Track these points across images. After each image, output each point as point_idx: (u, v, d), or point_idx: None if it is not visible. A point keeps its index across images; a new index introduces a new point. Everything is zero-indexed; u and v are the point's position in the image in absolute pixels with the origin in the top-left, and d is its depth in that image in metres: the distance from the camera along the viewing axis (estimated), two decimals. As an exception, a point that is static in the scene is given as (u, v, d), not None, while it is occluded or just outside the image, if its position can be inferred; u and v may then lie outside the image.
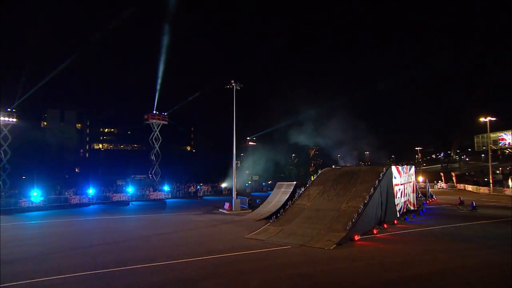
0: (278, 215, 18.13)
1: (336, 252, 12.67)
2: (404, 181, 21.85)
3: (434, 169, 74.45)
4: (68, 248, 13.80)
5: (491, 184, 42.55)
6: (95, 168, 58.42)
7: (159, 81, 41.12)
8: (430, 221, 19.95)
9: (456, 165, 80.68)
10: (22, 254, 12.83)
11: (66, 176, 53.23)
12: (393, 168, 20.33)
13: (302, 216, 16.97)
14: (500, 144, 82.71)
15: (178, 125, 53.83)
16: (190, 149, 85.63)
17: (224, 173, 45.68)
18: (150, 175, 43.90)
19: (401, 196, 20.98)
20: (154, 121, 43.05)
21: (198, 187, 42.38)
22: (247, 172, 54.50)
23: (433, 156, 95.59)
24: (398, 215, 19.78)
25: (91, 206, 30.28)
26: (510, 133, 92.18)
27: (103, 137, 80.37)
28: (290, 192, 22.42)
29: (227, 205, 25.82)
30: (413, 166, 26.57)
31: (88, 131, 76.60)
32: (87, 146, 76.68)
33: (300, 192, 20.37)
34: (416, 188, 25.66)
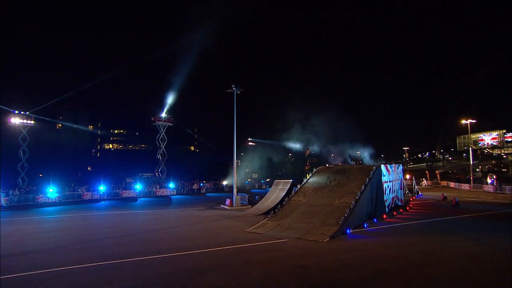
0: (276, 210, 18.10)
1: (330, 244, 12.67)
2: (392, 178, 21.86)
3: (420, 168, 74.65)
4: (81, 240, 13.77)
5: (471, 181, 42.65)
6: (105, 167, 58.21)
7: (165, 86, 41.15)
8: (416, 215, 19.98)
9: (440, 163, 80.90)
10: (40, 246, 12.87)
11: (79, 174, 53.05)
12: (383, 166, 20.35)
13: (298, 211, 16.95)
14: (479, 145, 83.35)
15: (182, 127, 53.66)
16: (194, 149, 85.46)
17: (225, 172, 45.61)
18: (156, 173, 43.80)
19: (389, 193, 20.98)
20: (160, 123, 43.05)
21: (201, 184, 42.30)
22: (246, 170, 54.40)
23: (419, 155, 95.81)
24: (387, 210, 19.78)
25: (102, 202, 30.19)
26: (488, 134, 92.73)
27: (113, 138, 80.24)
28: (287, 189, 22.35)
29: (228, 201, 25.79)
30: (401, 165, 26.59)
31: (99, 132, 76.53)
32: (99, 146, 76.58)
33: (297, 189, 20.33)
34: (403, 185, 25.67)
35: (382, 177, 19.77)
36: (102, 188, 33.04)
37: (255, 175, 53.39)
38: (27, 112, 35.22)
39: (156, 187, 37.82)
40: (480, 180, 46.16)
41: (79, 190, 32.89)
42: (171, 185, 39.14)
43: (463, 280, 8.80)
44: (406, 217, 19.28)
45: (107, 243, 13.17)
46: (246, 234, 14.77)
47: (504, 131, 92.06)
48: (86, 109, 71.12)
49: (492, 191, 36.81)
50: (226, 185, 43.52)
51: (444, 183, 49.30)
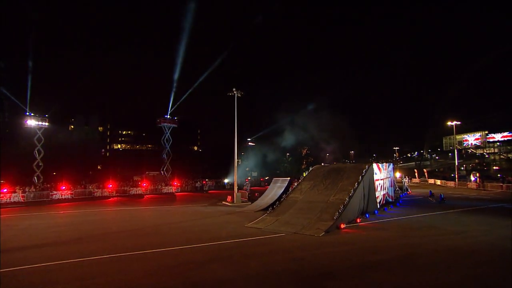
0: (274, 206, 18.02)
1: (325, 238, 12.62)
2: (383, 176, 21.83)
3: (409, 166, 74.88)
4: (93, 234, 13.70)
5: (456, 179, 42.70)
6: (114, 166, 58.16)
7: (170, 89, 41.16)
8: (405, 211, 19.94)
9: (428, 162, 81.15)
10: (55, 239, 12.84)
11: (90, 173, 52.95)
12: (374, 165, 20.30)
13: (295, 207, 16.89)
14: (464, 145, 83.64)
15: (186, 128, 53.53)
16: (197, 149, 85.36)
17: (227, 170, 45.56)
18: (162, 172, 43.75)
19: (381, 190, 20.95)
20: (165, 124, 43.01)
21: (204, 182, 42.26)
22: (247, 169, 54.34)
23: (408, 155, 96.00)
24: (379, 206, 19.73)
25: (111, 199, 30.14)
26: (472, 135, 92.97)
27: (121, 139, 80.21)
28: (284, 187, 22.33)
29: (229, 198, 25.75)
30: (392, 164, 26.56)
31: (108, 133, 76.53)
32: (108, 147, 76.48)
33: (294, 186, 20.29)
34: (393, 182, 25.65)
35: (374, 175, 19.72)
36: (111, 185, 32.97)
37: (254, 173, 53.33)
38: (42, 115, 35.22)
39: (161, 185, 37.77)
40: (464, 178, 46.31)
41: (90, 187, 32.84)
42: (176, 182, 39.10)
43: (449, 270, 8.79)
44: (396, 212, 19.24)
45: (116, 237, 13.12)
46: (246, 229, 14.70)
47: (486, 132, 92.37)
48: (97, 111, 71.12)
49: (475, 188, 36.89)
50: (227, 183, 43.46)
51: (431, 180, 49.36)
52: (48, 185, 33.13)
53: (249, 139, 53.46)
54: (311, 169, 22.51)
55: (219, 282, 7.91)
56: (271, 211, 17.34)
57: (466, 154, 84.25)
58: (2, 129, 60.55)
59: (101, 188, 32.64)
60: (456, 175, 43.72)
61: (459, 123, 47.80)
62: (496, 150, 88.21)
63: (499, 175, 47.95)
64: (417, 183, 48.04)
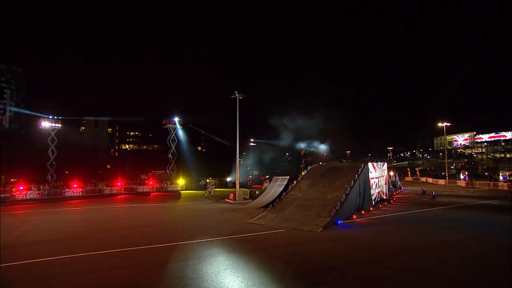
0: (274, 204, 17.93)
1: (323, 234, 12.55)
2: (378, 175, 21.75)
3: (402, 165, 74.74)
4: (102, 230, 13.69)
5: (447, 177, 42.59)
6: (123, 165, 58.09)
7: (175, 92, 41.18)
8: (399, 207, 19.88)
9: (420, 162, 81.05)
10: (67, 234, 12.83)
11: (100, 171, 52.84)
12: (369, 164, 20.23)
13: (294, 204, 16.81)
14: (454, 145, 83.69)
15: (191, 129, 53.43)
16: (201, 149, 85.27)
17: (229, 169, 45.52)
18: (167, 171, 43.74)
19: (375, 188, 20.87)
20: (170, 125, 43.03)
21: (208, 180, 42.19)
22: (248, 168, 54.30)
23: (401, 154, 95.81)
24: (374, 203, 19.63)
25: (120, 196, 30.13)
26: (461, 136, 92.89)
27: (129, 139, 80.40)
28: (284, 185, 22.25)
29: (231, 195, 25.69)
30: (386, 163, 26.46)
31: (117, 134, 76.67)
32: (116, 147, 76.57)
33: (293, 184, 20.22)
34: (388, 180, 25.56)
35: (369, 173, 19.65)
36: (120, 183, 32.97)
37: (255, 172, 53.30)
38: (55, 117, 35.35)
39: (167, 183, 37.74)
40: (454, 176, 46.21)
41: (100, 185, 32.83)
42: (181, 181, 39.05)
43: (442, 263, 8.73)
44: (390, 209, 19.17)
45: (125, 233, 13.08)
46: (248, 225, 14.65)
47: (474, 133, 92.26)
48: (106, 113, 71.23)
49: (465, 186, 36.80)
50: (230, 181, 43.41)
51: (423, 179, 49.27)
52: (61, 183, 33.15)
53: (251, 140, 53.40)
54: (309, 168, 22.44)
55: (221, 275, 7.85)
56: (272, 208, 17.25)
57: (455, 154, 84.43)
58: (18, 131, 60.65)
59: (110, 186, 32.64)
60: (447, 174, 43.61)
61: (449, 124, 47.74)
62: (483, 150, 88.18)
63: (486, 173, 47.81)
64: (409, 181, 47.91)
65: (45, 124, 34.85)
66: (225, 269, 8.32)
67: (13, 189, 27.47)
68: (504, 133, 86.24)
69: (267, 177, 48.10)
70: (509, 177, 37.14)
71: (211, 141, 73.55)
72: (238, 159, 26.01)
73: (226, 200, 25.35)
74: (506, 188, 31.41)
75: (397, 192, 29.26)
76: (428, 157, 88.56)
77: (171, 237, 11.99)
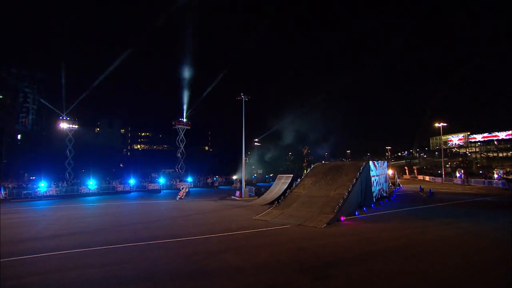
0: (279, 201, 17.68)
1: (327, 230, 12.32)
2: (379, 173, 21.37)
3: (400, 164, 73.84)
4: (115, 225, 13.63)
5: (443, 175, 41.91)
6: (134, 164, 58.38)
7: (184, 94, 41.32)
8: (398, 204, 19.51)
9: (416, 160, 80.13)
10: (83, 228, 12.83)
11: (113, 170, 53.21)
12: (371, 162, 19.87)
13: (298, 201, 16.58)
14: (449, 144, 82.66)
15: (198, 130, 53.45)
16: (208, 148, 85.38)
17: (235, 168, 45.36)
18: (176, 169, 43.77)
19: (376, 185, 20.50)
20: (179, 126, 43.05)
21: (215, 178, 42.09)
22: (253, 167, 54.07)
23: (399, 153, 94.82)
24: (374, 200, 19.28)
25: (132, 193, 30.17)
26: (456, 136, 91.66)
27: (140, 140, 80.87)
28: (288, 183, 21.94)
29: (237, 193, 25.49)
30: (386, 161, 26.04)
31: (129, 135, 77.16)
32: (129, 147, 77.05)
33: (297, 182, 19.95)
34: (387, 178, 25.13)
35: (370, 171, 19.31)
36: (132, 181, 33.03)
37: (260, 171, 53.07)
38: (72, 118, 35.66)
39: (176, 181, 37.72)
40: (450, 174, 45.44)
41: (113, 183, 32.94)
42: (189, 179, 39.01)
43: (443, 258, 8.47)
44: (391, 206, 18.82)
45: (137, 228, 12.98)
46: (254, 221, 14.46)
47: (469, 133, 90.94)
48: (119, 115, 71.78)
49: (460, 183, 36.14)
50: (236, 179, 43.24)
51: (420, 177, 48.56)
52: (78, 181, 33.37)
53: (256, 140, 53.21)
54: (313, 166, 22.11)
55: (231, 270, 7.70)
56: (277, 205, 17.03)
57: (450, 153, 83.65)
58: (39, 132, 61.36)
59: (123, 184, 32.73)
60: (443, 172, 42.93)
61: (446, 124, 46.96)
62: (477, 149, 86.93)
63: (480, 171, 46.94)
64: (407, 179, 47.24)
65: (63, 125, 35.11)
66: (233, 264, 8.15)
67: (35, 186, 27.74)
68: (496, 133, 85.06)
69: (271, 175, 47.99)
70: (504, 175, 36.40)
71: (218, 140, 73.62)
72: (244, 158, 25.80)
73: (232, 197, 25.17)
74: (500, 186, 30.75)
75: (396, 189, 28.78)
76: (425, 156, 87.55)
77: (181, 233, 11.86)
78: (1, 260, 8.29)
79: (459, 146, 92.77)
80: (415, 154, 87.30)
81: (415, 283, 6.78)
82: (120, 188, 31.66)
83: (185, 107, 42.59)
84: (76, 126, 35.97)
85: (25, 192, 26.31)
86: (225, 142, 63.36)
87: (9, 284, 6.77)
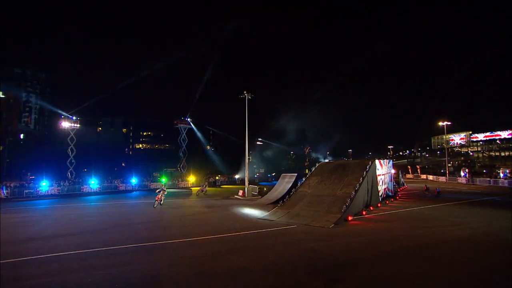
0: (284, 200, 17.23)
1: (334, 230, 11.92)
2: (384, 172, 20.93)
3: (401, 163, 73.45)
4: (117, 225, 13.24)
5: (447, 174, 41.40)
6: (136, 163, 58.11)
7: (186, 93, 40.99)
8: (405, 204, 19.08)
9: (418, 160, 79.57)
10: (84, 228, 12.43)
11: (115, 169, 52.93)
12: (377, 161, 19.45)
13: (304, 201, 16.16)
14: (450, 144, 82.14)
15: (200, 128, 53.03)
16: (209, 148, 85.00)
17: (237, 167, 45.07)
18: (178, 168, 43.48)
19: (382, 184, 20.06)
20: (182, 125, 42.75)
21: (217, 177, 41.76)
22: (254, 166, 53.70)
23: (400, 153, 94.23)
24: (380, 200, 18.89)
25: (134, 192, 29.84)
26: (457, 135, 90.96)
27: (142, 139, 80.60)
28: (292, 182, 21.52)
29: (241, 192, 25.13)
30: (391, 160, 25.58)
31: (131, 134, 76.92)
32: (131, 146, 76.81)
33: (302, 181, 19.53)
34: (393, 177, 24.67)
35: (376, 170, 18.89)
36: (134, 180, 32.73)
37: (262, 170, 52.70)
38: (74, 117, 35.37)
39: (178, 180, 37.41)
40: (453, 173, 44.97)
41: (115, 182, 32.66)
42: (191, 178, 38.71)
43: (458, 260, 8.04)
44: (397, 205, 18.39)
45: (139, 228, 12.59)
46: (259, 221, 14.04)
47: (470, 132, 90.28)
48: (121, 115, 71.61)
49: (465, 183, 35.64)
50: (238, 178, 42.92)
51: (423, 176, 48.09)
52: (80, 180, 33.09)
53: (259, 139, 52.82)
54: (317, 165, 21.67)
55: (238, 272, 7.30)
56: (282, 204, 16.59)
57: (452, 152, 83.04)
58: (42, 132, 61.20)
59: (125, 183, 32.42)
60: (447, 171, 42.43)
61: (450, 123, 46.38)
62: (479, 149, 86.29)
63: (484, 171, 46.38)
64: (410, 178, 46.71)
65: (65, 124, 34.86)
66: (240, 266, 7.76)
67: (36, 185, 27.47)
68: (499, 132, 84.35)
69: (273, 174, 47.61)
70: (510, 174, 35.85)
71: (220, 139, 73.27)
72: (247, 157, 25.40)
73: (236, 196, 24.79)
74: (507, 185, 30.24)
75: (400, 189, 28.36)
76: (427, 155, 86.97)
77: (184, 233, 11.48)
78: (1, 261, 7.93)
79: (461, 146, 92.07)
80: (416, 154, 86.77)
81: (437, 288, 6.37)
82: (122, 187, 31.38)
83: (187, 106, 42.37)
84: (78, 125, 35.72)
85: (26, 191, 26.04)
86: (226, 141, 62.95)
87: (7, 288, 6.42)
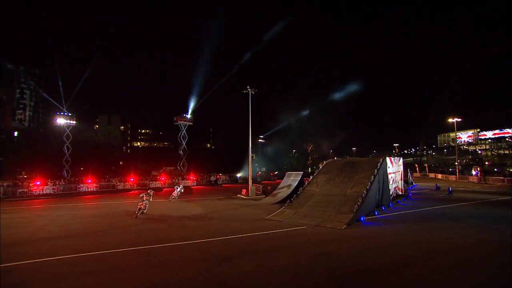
0: (292, 199, 16.68)
1: (348, 231, 11.39)
2: (395, 170, 20.40)
3: (407, 161, 72.91)
4: (117, 226, 12.68)
5: (457, 173, 40.83)
6: (135, 161, 57.62)
7: (186, 89, 40.48)
8: (417, 203, 18.56)
9: (425, 158, 79.05)
10: (82, 230, 11.91)
11: (113, 168, 52.46)
12: (387, 159, 18.89)
13: (312, 200, 15.64)
14: (457, 142, 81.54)
15: (201, 125, 52.49)
16: (210, 145, 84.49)
17: (239, 165, 44.55)
18: (178, 167, 42.96)
19: (392, 183, 19.52)
20: (181, 122, 42.19)
21: (218, 176, 41.21)
22: (256, 165, 53.16)
23: (405, 151, 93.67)
24: (391, 199, 18.35)
25: (133, 191, 29.33)
26: (465, 133, 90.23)
27: (140, 137, 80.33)
28: (298, 180, 21.02)
29: (244, 191, 24.60)
30: (401, 158, 25.00)
31: (129, 132, 76.56)
32: (128, 144, 76.42)
33: (309, 180, 18.97)
34: (403, 176, 24.11)
35: (387, 168, 18.34)
36: (132, 179, 32.25)
37: (263, 169, 52.19)
38: (70, 114, 34.85)
39: (178, 179, 36.89)
40: (463, 172, 44.37)
41: (113, 181, 32.17)
42: (192, 177, 38.20)
43: (491, 266, 7.49)
44: (409, 205, 17.86)
45: (139, 229, 12.08)
46: (266, 222, 13.55)
47: (478, 130, 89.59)
48: (118, 112, 71.07)
49: (477, 182, 35.04)
50: (240, 177, 42.39)
51: (432, 175, 47.44)
52: (76, 179, 32.61)
53: (261, 136, 52.27)
54: (325, 162, 21.11)
55: (250, 278, 6.77)
56: (289, 204, 16.06)
57: (459, 151, 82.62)
58: (36, 129, 60.69)
59: (123, 182, 31.94)
60: (457, 170, 41.84)
61: (460, 120, 45.67)
62: (487, 147, 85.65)
63: (495, 169, 45.77)
64: (418, 177, 46.09)
65: (60, 121, 34.30)
66: (251, 271, 7.24)
67: (31, 184, 26.96)
68: (508, 130, 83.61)
69: (276, 173, 47.06)
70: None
71: (221, 137, 72.77)
72: (250, 154, 24.85)
73: (239, 195, 24.27)
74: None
75: (410, 188, 27.78)
76: (433, 153, 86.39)
77: (188, 235, 10.97)
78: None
79: (468, 144, 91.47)
80: (422, 152, 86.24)
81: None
82: (120, 186, 30.88)
83: (187, 103, 41.79)
84: (74, 122, 35.17)
85: (20, 190, 25.53)
86: (228, 139, 62.41)
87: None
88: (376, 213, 14.43)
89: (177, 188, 22.38)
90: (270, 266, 7.61)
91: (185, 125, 42.47)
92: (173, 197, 21.30)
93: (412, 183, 30.16)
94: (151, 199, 15.85)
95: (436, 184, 27.41)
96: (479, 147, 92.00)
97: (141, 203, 14.98)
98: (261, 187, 25.36)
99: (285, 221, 13.24)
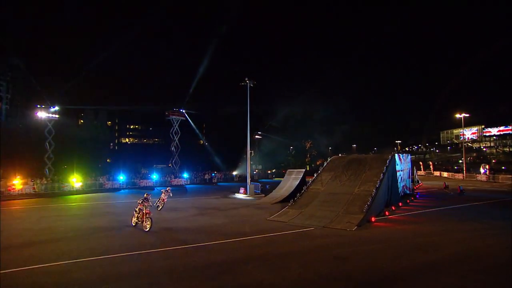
0: (295, 199, 16.24)
1: (359, 233, 11.05)
2: (403, 168, 20.20)
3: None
4: (106, 228, 12.07)
5: (464, 171, 41.04)
6: (123, 159, 56.60)
7: (179, 82, 39.63)
8: (428, 203, 18.41)
9: (427, 156, 79.65)
10: (67, 233, 11.29)
11: (99, 165, 51.37)
12: (396, 155, 18.62)
13: (318, 199, 15.26)
14: (460, 139, 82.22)
15: (194, 121, 51.68)
16: (204, 142, 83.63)
17: (234, 163, 44.07)
18: (170, 165, 42.28)
19: (401, 181, 19.31)
20: (174, 117, 41.44)
21: (213, 174, 40.64)
22: (251, 162, 52.70)
23: (407, 148, 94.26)
24: (400, 198, 18.14)
25: (122, 191, 28.63)
26: (469, 129, 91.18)
27: (129, 133, 78.92)
28: (300, 178, 20.66)
29: (242, 190, 24.16)
30: (409, 155, 24.79)
31: (117, 127, 75.08)
32: (116, 140, 74.99)
33: (313, 178, 18.59)
34: (411, 174, 23.94)
35: (396, 166, 18.08)
36: (121, 177, 31.49)
37: (259, 167, 51.77)
38: (52, 107, 33.71)
39: (171, 177, 36.23)
40: (469, 170, 44.70)
41: (100, 179, 31.36)
42: (185, 175, 37.57)
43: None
44: (420, 204, 17.68)
45: (130, 232, 11.47)
46: (269, 223, 13.15)
47: (483, 126, 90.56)
48: (105, 105, 69.44)
49: (486, 180, 35.25)
50: (236, 175, 41.92)
51: (437, 173, 47.69)
52: (59, 177, 31.64)
53: (259, 132, 51.74)
54: (329, 159, 20.76)
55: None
56: (293, 204, 15.65)
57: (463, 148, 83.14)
58: (15, 123, 58.95)
59: (111, 180, 31.17)
60: (464, 168, 42.01)
61: (468, 115, 45.75)
62: (492, 144, 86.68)
63: (503, 167, 46.20)
64: (422, 175, 46.28)
65: (42, 114, 33.17)
66: (259, 279, 6.79)
67: (8, 184, 25.96)
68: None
69: (273, 171, 46.78)
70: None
71: (216, 133, 72.00)
72: (249, 151, 24.38)
73: (237, 194, 23.82)
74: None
75: (416, 186, 27.73)
76: (437, 151, 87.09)
77: (187, 238, 10.47)
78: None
79: (472, 141, 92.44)
80: (424, 149, 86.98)
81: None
82: (108, 185, 30.10)
83: (179, 96, 41.03)
84: (57, 116, 34.06)
85: (-2, 190, 24.55)
86: (223, 135, 61.75)
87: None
88: (386, 213, 14.15)
89: (164, 194, 17.24)
90: (282, 274, 7.13)
91: (178, 120, 41.74)
92: (159, 208, 16.41)
93: (418, 181, 30.13)
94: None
95: (445, 183, 27.38)
96: (483, 144, 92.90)
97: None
98: (260, 185, 24.95)
99: (290, 222, 12.87)
